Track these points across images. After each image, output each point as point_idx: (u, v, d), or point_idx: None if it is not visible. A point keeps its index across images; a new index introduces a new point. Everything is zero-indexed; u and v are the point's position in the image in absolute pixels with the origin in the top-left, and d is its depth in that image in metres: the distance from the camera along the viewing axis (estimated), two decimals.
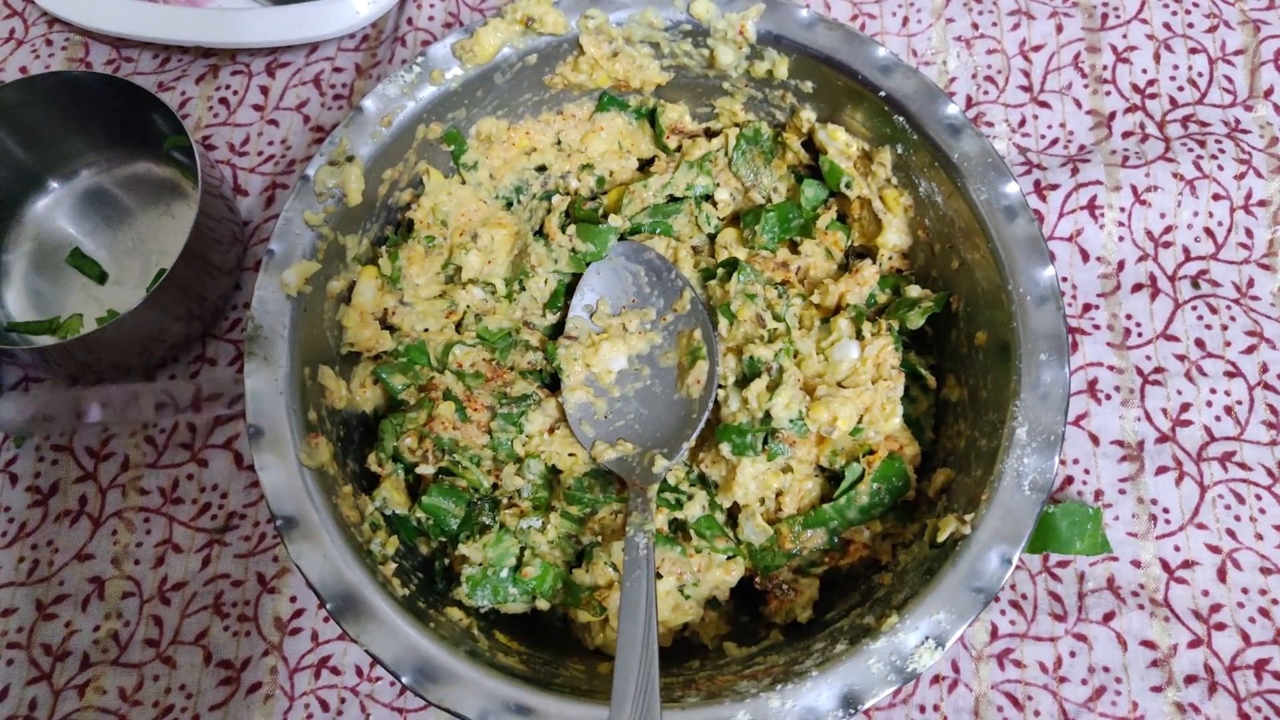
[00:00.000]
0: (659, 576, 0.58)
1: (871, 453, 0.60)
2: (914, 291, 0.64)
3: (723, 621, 0.62)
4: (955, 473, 0.58)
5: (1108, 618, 0.65)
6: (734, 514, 0.62)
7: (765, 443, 0.59)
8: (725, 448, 0.59)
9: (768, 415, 0.59)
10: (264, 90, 0.83)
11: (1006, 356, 0.56)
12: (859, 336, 0.62)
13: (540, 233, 0.68)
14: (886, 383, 0.60)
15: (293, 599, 0.68)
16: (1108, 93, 0.79)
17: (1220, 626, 0.65)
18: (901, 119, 0.62)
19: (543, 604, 0.59)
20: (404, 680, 0.50)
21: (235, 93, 0.83)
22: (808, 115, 0.67)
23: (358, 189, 0.61)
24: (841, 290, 0.64)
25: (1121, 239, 0.74)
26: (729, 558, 0.60)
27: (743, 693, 0.49)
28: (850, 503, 0.59)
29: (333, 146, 0.61)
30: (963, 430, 0.60)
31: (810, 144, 0.68)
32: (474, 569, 0.58)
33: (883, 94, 0.62)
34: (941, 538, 0.53)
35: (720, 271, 0.65)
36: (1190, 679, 0.64)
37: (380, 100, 0.63)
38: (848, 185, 0.66)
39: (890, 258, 0.67)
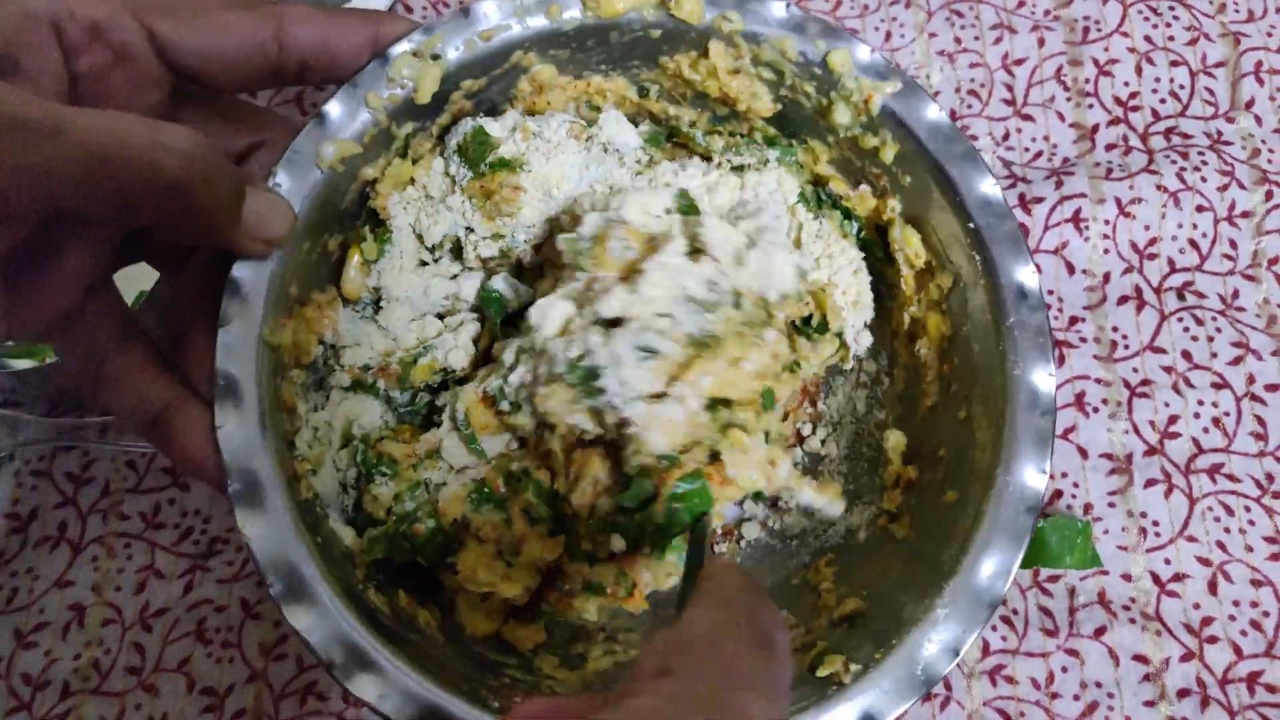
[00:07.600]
0: None
1: None
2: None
3: None
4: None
5: (1099, 632, 0.65)
6: None
7: None
8: None
9: None
10: None
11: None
12: None
13: None
14: None
15: (276, 624, 0.67)
16: (1090, 106, 0.79)
17: (1212, 639, 0.65)
18: (979, 258, 0.57)
19: None
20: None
21: None
22: (893, 204, 0.62)
23: (430, 90, 0.57)
24: None
25: (1106, 251, 0.75)
26: None
27: None
28: None
29: (425, 37, 0.57)
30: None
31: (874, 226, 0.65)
32: None
33: (972, 226, 0.57)
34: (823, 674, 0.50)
35: None
36: (1183, 693, 0.63)
37: (491, 10, 0.58)
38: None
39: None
